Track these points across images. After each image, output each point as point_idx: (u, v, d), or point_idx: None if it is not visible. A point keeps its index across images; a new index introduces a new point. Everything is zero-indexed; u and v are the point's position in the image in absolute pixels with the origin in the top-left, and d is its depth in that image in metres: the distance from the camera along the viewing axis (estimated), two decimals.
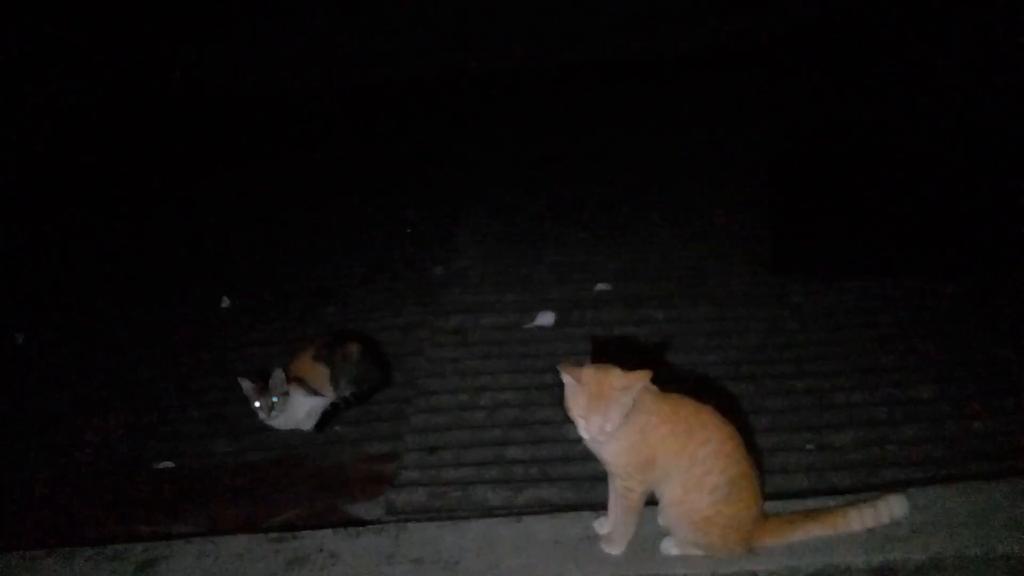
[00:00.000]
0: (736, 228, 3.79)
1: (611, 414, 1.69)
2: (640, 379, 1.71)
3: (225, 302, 3.55)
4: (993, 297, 3.03)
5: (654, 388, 1.81)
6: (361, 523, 2.15)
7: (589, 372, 1.72)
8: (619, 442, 1.76)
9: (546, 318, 3.17)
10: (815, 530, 1.88)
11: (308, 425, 2.65)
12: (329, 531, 2.07)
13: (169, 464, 2.58)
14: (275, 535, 2.08)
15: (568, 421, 1.76)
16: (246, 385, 2.54)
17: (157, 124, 6.05)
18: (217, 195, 4.96)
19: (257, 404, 2.52)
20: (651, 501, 1.85)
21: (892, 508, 1.87)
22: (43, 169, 5.34)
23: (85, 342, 3.37)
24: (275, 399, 2.51)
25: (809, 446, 2.33)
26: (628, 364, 1.74)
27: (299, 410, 2.61)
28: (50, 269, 4.15)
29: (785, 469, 2.25)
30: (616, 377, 1.71)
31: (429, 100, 6.28)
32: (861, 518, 1.86)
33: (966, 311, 2.97)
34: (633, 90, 6.04)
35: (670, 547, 1.90)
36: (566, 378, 1.73)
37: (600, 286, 3.39)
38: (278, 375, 2.54)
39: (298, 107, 6.29)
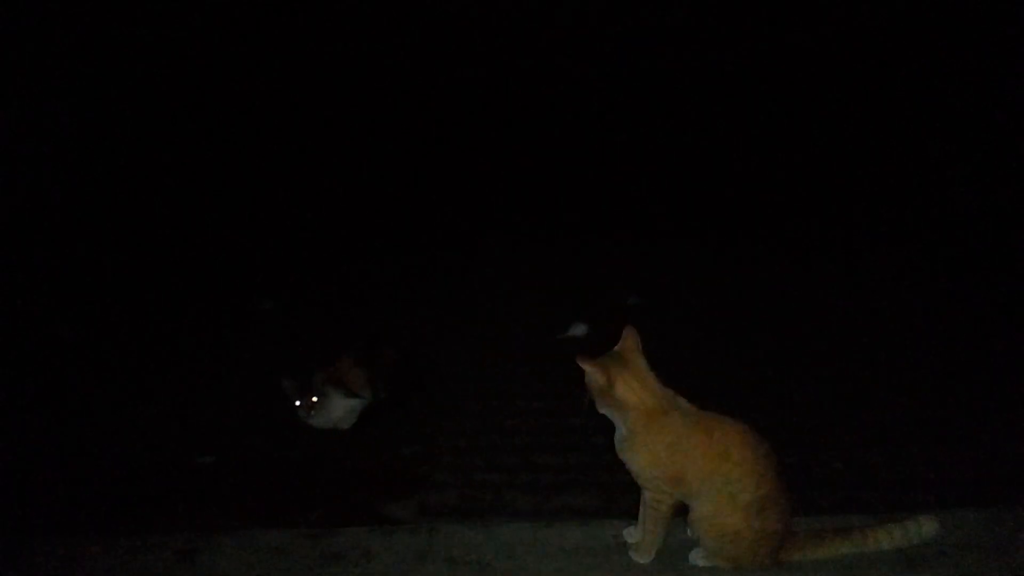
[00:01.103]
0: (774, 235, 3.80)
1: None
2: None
3: (267, 303, 3.64)
4: None
5: (688, 407, 1.84)
6: (394, 522, 2.21)
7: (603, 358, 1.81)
8: (645, 455, 1.80)
9: (578, 329, 3.22)
10: (843, 547, 1.89)
11: (345, 425, 2.72)
12: (364, 529, 2.13)
13: (210, 458, 2.66)
14: (312, 531, 2.13)
15: (599, 431, 1.80)
16: (287, 384, 2.61)
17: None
18: (262, 192, 5.06)
19: (298, 403, 2.60)
20: (682, 511, 1.88)
21: (922, 528, 1.88)
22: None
23: (131, 339, 3.47)
24: (315, 399, 2.59)
25: (837, 464, 2.34)
26: (660, 376, 1.80)
27: (336, 410, 2.68)
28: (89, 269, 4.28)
29: (811, 486, 2.26)
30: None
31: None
32: (890, 537, 1.87)
33: (1007, 333, 2.95)
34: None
35: (698, 558, 1.92)
36: (585, 366, 1.79)
37: (632, 299, 3.43)
38: (319, 376, 2.61)
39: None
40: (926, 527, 1.88)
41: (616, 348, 1.86)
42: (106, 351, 3.42)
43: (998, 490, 2.17)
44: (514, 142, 5.71)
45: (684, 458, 1.79)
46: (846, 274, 3.59)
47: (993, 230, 3.70)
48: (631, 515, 1.99)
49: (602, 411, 1.85)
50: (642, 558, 1.94)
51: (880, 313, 3.14)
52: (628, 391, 1.80)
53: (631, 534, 1.99)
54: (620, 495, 2.22)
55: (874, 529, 1.89)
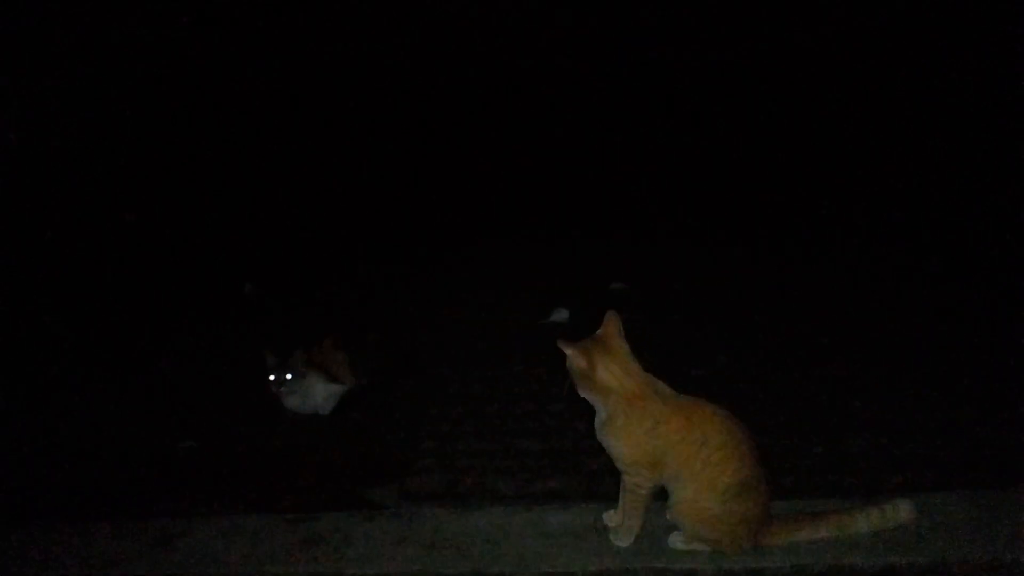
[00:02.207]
0: (759, 230, 3.82)
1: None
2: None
3: (248, 287, 3.62)
4: (1007, 307, 3.04)
5: (668, 391, 1.85)
6: (375, 507, 2.20)
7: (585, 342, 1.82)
8: (625, 439, 1.81)
9: (560, 314, 3.21)
10: (821, 531, 1.91)
11: (326, 410, 2.71)
12: (344, 513, 2.13)
13: (192, 444, 2.65)
14: (291, 516, 2.13)
15: (580, 416, 1.80)
16: (270, 360, 2.60)
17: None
18: (241, 181, 5.04)
19: (272, 377, 2.59)
20: (661, 495, 1.89)
21: (899, 512, 1.90)
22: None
23: (112, 325, 3.45)
24: (289, 376, 2.58)
25: (818, 449, 2.35)
26: (641, 361, 1.80)
27: (318, 395, 2.67)
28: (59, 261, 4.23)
29: (794, 470, 2.27)
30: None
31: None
32: (868, 520, 1.89)
33: (981, 319, 2.98)
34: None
35: (677, 541, 1.93)
36: (566, 349, 1.81)
37: (616, 284, 3.43)
38: (297, 356, 2.61)
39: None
40: (903, 510, 1.91)
41: (598, 332, 1.86)
42: (86, 337, 3.39)
43: (973, 473, 2.19)
44: (498, 131, 5.69)
45: (663, 442, 1.79)
46: (828, 261, 3.61)
47: (973, 222, 3.73)
48: (612, 499, 2.00)
49: (583, 395, 1.86)
50: (622, 541, 1.95)
51: (861, 299, 3.17)
52: (609, 375, 1.81)
53: (611, 518, 2.00)
54: (601, 479, 2.22)
55: (852, 513, 1.91)
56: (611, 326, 1.86)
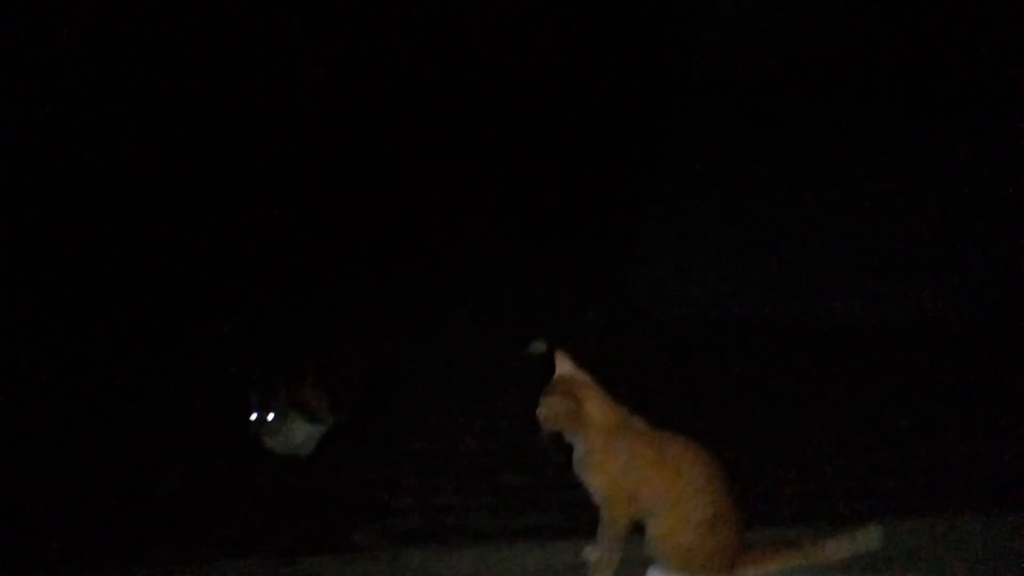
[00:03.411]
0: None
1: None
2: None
3: (227, 326, 3.62)
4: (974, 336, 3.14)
5: (642, 426, 1.90)
6: (358, 548, 2.22)
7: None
8: (602, 475, 1.85)
9: (538, 346, 3.26)
10: (794, 560, 1.95)
11: (306, 451, 2.71)
12: (326, 557, 2.14)
13: (171, 488, 2.64)
14: (273, 560, 2.14)
15: (560, 451, 1.85)
16: (254, 397, 2.58)
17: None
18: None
19: (254, 417, 2.56)
20: (639, 529, 1.93)
21: (868, 538, 1.95)
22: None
23: (90, 367, 3.42)
24: (271, 416, 2.56)
25: (792, 477, 2.41)
26: (616, 393, 1.88)
27: (298, 435, 2.67)
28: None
29: (768, 499, 2.33)
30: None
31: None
32: (837, 548, 1.94)
33: (949, 350, 3.07)
34: None
35: (656, 575, 1.97)
36: (550, 399, 1.86)
37: (590, 314, 3.49)
38: (280, 395, 2.59)
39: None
40: (872, 537, 1.96)
41: (558, 374, 1.90)
42: (65, 381, 3.36)
43: (940, 500, 2.26)
44: (477, 155, 5.73)
45: (639, 477, 1.84)
46: (800, 288, 3.68)
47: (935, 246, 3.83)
48: (591, 534, 2.03)
49: (568, 438, 1.90)
50: None
51: (830, 330, 3.25)
52: (594, 407, 1.86)
53: (590, 553, 2.04)
54: (581, 514, 2.25)
55: (823, 541, 1.96)
56: (566, 363, 1.91)
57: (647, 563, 1.97)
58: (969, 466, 2.41)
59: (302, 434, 2.69)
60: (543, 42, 6.00)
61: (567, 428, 1.87)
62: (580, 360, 1.97)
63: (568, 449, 1.93)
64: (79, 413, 3.10)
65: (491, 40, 6.06)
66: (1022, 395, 2.73)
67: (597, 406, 1.87)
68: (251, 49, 5.57)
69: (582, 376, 1.91)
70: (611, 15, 5.81)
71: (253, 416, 2.58)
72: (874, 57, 4.16)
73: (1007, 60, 4.17)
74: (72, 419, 3.07)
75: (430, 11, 6.00)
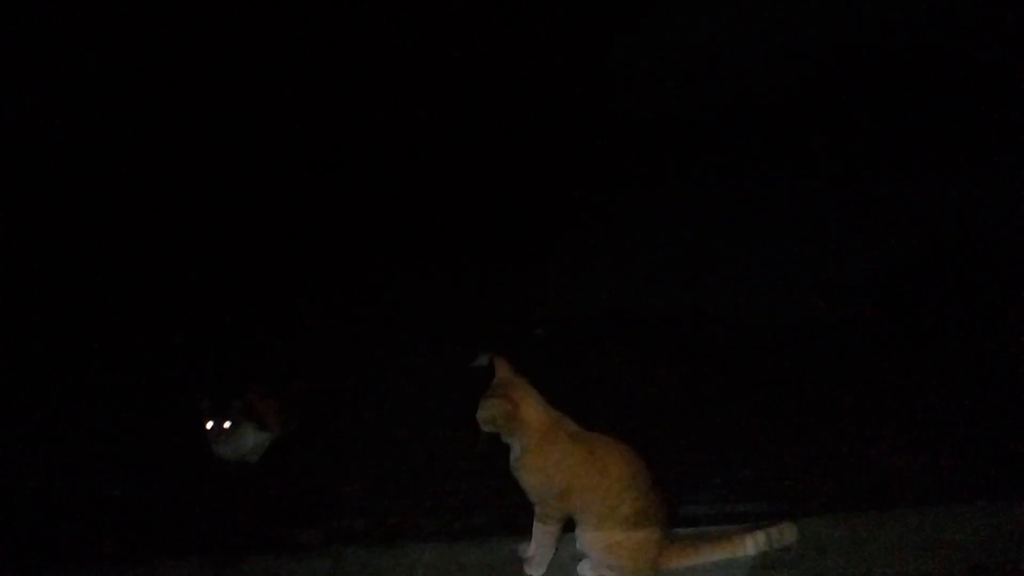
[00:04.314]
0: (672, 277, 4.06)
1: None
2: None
3: (177, 336, 3.65)
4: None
5: (574, 428, 2.03)
6: (302, 548, 2.29)
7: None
8: (535, 473, 1.97)
9: (484, 359, 3.37)
10: (716, 553, 2.10)
11: (254, 458, 2.77)
12: (270, 556, 2.21)
13: (116, 492, 2.67)
14: (219, 559, 2.20)
15: (499, 457, 1.98)
16: (206, 405, 2.63)
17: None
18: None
19: (209, 425, 2.61)
20: (571, 526, 2.05)
21: (783, 534, 2.11)
22: None
23: (41, 371, 3.42)
24: (227, 423, 2.61)
25: (716, 480, 2.56)
26: (558, 400, 2.02)
27: (247, 443, 2.73)
28: None
29: (694, 500, 2.47)
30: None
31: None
32: (756, 543, 2.09)
33: (866, 361, 3.27)
34: None
35: (586, 569, 2.10)
36: (490, 402, 1.99)
37: (537, 330, 3.62)
38: (236, 403, 2.65)
39: None
40: (787, 533, 2.11)
41: (498, 378, 2.03)
42: (12, 384, 3.35)
43: (852, 500, 2.43)
44: (428, 168, 5.78)
45: (569, 474, 1.97)
46: (729, 294, 3.84)
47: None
48: (527, 533, 2.14)
49: (505, 439, 2.02)
50: (535, 571, 2.10)
51: (752, 334, 3.42)
52: (530, 410, 1.98)
53: (525, 550, 2.15)
54: (517, 515, 2.35)
55: (742, 536, 2.11)
56: (506, 368, 2.04)
57: (578, 557, 2.09)
58: (881, 470, 2.59)
59: (252, 441, 2.75)
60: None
61: (504, 429, 1.99)
62: (518, 366, 2.10)
63: (505, 449, 2.05)
64: (28, 416, 3.10)
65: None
66: (940, 393, 2.93)
67: (532, 408, 1.99)
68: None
69: (519, 380, 2.03)
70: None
71: (209, 425, 2.63)
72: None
73: None
74: (21, 422, 3.06)
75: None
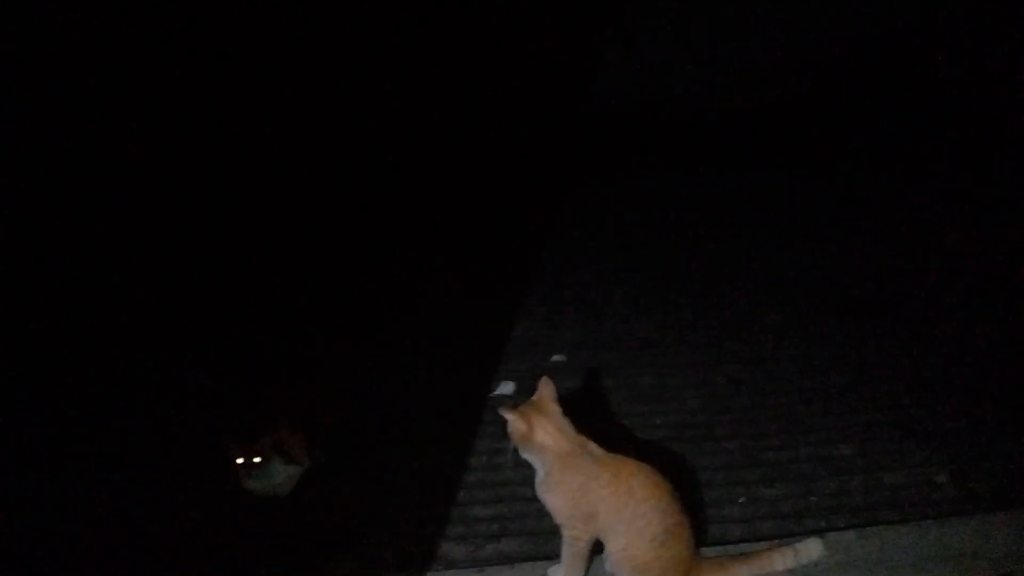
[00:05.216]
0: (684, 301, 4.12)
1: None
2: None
3: (204, 376, 3.71)
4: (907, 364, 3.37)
5: (598, 450, 2.08)
6: None
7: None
8: (561, 495, 2.03)
9: (506, 387, 3.43)
10: (743, 571, 2.13)
11: (285, 491, 2.82)
12: None
13: (149, 526, 2.72)
14: None
15: (526, 483, 2.03)
16: (235, 441, 2.69)
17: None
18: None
19: (240, 461, 2.67)
20: (600, 547, 2.09)
21: (810, 550, 2.15)
22: None
23: (65, 413, 3.49)
24: (257, 460, 2.67)
25: (741, 499, 2.59)
26: (579, 425, 2.06)
27: (276, 476, 2.78)
28: None
29: (721, 520, 2.50)
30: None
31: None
32: (783, 559, 2.13)
33: (884, 376, 3.30)
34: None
35: None
36: (507, 415, 2.04)
37: (556, 357, 3.67)
38: (265, 440, 2.71)
39: None
40: (813, 549, 2.15)
41: (534, 398, 2.09)
42: (38, 426, 3.41)
43: (875, 514, 2.46)
44: (448, 196, 5.85)
45: (594, 496, 2.01)
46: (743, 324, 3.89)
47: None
48: (556, 556, 2.18)
49: (524, 456, 2.07)
50: None
51: (772, 360, 3.46)
52: (546, 435, 2.03)
53: (555, 572, 2.19)
54: (546, 540, 2.40)
55: (769, 553, 2.14)
56: (545, 391, 2.10)
57: None
58: (902, 486, 2.61)
59: (282, 475, 2.80)
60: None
61: (522, 448, 2.05)
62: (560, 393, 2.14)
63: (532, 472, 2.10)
64: (69, 453, 3.16)
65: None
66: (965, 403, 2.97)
67: (550, 435, 2.04)
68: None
69: (548, 404, 2.08)
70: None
71: (239, 461, 2.69)
72: None
73: None
74: (62, 458, 3.12)
75: None
